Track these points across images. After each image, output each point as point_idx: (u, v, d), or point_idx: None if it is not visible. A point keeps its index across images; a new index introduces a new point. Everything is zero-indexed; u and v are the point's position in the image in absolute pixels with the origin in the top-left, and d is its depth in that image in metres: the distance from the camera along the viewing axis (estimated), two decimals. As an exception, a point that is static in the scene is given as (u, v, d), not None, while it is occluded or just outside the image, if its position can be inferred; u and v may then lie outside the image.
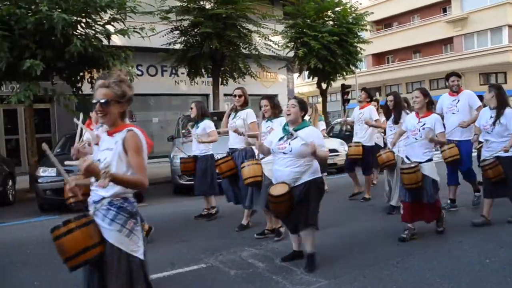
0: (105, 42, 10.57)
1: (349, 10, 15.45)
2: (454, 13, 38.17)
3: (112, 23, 10.58)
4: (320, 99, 18.47)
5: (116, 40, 11.98)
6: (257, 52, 13.39)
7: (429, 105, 5.36)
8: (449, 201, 6.61)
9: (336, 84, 17.56)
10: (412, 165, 5.11)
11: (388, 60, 43.99)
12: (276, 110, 5.49)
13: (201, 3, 12.61)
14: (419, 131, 5.21)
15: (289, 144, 4.18)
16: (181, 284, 4.18)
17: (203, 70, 13.67)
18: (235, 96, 6.04)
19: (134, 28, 10.72)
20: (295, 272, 4.20)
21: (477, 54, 36.28)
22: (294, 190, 4.13)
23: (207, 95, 16.50)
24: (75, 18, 9.50)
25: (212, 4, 12.55)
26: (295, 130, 4.19)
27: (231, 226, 6.11)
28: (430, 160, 5.20)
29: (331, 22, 15.46)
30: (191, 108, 6.67)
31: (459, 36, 38.01)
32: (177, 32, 13.22)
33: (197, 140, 6.52)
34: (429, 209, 5.18)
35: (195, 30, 12.84)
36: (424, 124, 5.20)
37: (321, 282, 3.96)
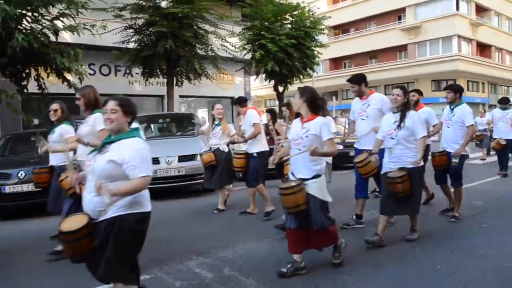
0: (52, 38, 10.02)
1: (307, 14, 15.45)
2: (409, 21, 39.34)
3: (61, 19, 10.07)
4: (277, 103, 18.44)
5: (67, 37, 11.45)
6: (213, 53, 13.15)
7: (318, 107, 4.23)
8: (354, 217, 5.92)
9: (293, 87, 17.54)
10: (293, 184, 4.12)
11: (345, 65, 44.82)
12: None
13: (157, 1, 12.24)
14: (302, 139, 4.19)
15: (95, 161, 3.05)
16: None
17: (157, 71, 13.27)
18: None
19: (84, 25, 10.25)
20: (244, 282, 3.99)
21: (430, 62, 37.53)
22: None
23: (162, 96, 16.10)
24: (20, 11, 8.94)
25: (167, 2, 12.20)
26: (110, 142, 3.07)
27: (181, 234, 5.87)
28: (317, 176, 4.17)
29: (289, 25, 15.42)
30: (55, 110, 5.47)
31: (413, 44, 39.20)
32: (131, 30, 12.79)
33: (49, 150, 5.36)
34: (319, 235, 4.22)
35: (150, 29, 12.46)
36: (307, 131, 4.16)
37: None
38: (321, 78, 42.32)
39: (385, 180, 5.00)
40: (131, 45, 12.80)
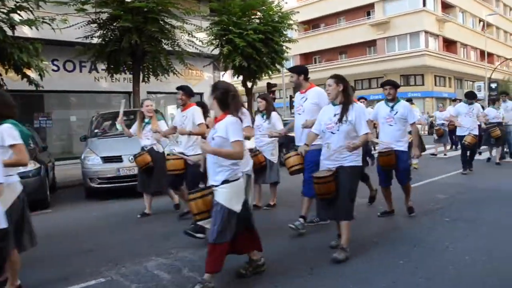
0: (9, 32, 9.63)
1: (275, 9, 15.35)
2: (377, 17, 39.85)
3: (18, 12, 9.68)
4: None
5: (27, 31, 11.04)
6: (180, 49, 12.90)
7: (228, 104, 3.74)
8: (301, 219, 5.37)
9: (263, 83, 17.48)
10: (201, 188, 3.98)
11: (316, 60, 45.05)
12: None
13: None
14: (210, 142, 3.75)
15: None
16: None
17: (123, 66, 12.94)
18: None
19: (43, 19, 9.88)
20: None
21: (398, 57, 38.15)
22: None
23: (129, 93, 15.72)
24: (-28, 3, 8.55)
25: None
26: None
27: (143, 234, 5.71)
28: (226, 181, 3.66)
29: (257, 20, 15.29)
30: None
31: (382, 39, 39.74)
32: (95, 25, 12.41)
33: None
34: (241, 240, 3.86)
35: (114, 24, 12.11)
36: (215, 133, 3.72)
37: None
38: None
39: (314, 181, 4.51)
40: (95, 40, 12.43)
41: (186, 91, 5.99)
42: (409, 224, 5.77)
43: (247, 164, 4.78)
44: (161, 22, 12.38)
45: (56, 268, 4.49)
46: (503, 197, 7.38)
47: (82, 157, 8.91)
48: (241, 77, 16.11)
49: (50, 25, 9.91)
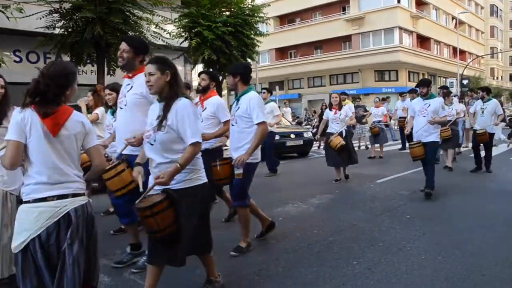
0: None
1: (245, 1, 15.08)
2: (352, 12, 39.96)
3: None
4: (224, 92, 18.08)
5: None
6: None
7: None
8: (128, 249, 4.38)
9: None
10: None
11: (291, 55, 44.97)
12: None
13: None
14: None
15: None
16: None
17: (86, 58, 12.51)
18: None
19: (-3, 7, 9.44)
20: (142, 287, 3.65)
21: (373, 52, 38.36)
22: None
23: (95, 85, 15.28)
24: None
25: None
26: None
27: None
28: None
29: (227, 13, 15.01)
30: None
31: (356, 35, 39.89)
32: (57, 15, 11.93)
33: None
34: None
35: (76, 14, 11.66)
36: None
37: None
38: (266, 68, 42.37)
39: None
40: (57, 31, 11.96)
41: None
42: (369, 221, 5.64)
43: None
44: (127, 13, 12.01)
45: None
46: (463, 192, 7.40)
47: None
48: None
49: (4, 13, 9.42)
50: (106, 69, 12.82)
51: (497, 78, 60.63)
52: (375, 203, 6.67)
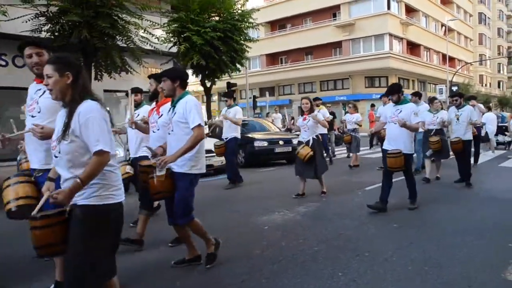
0: None
1: (234, 6, 15.03)
2: (343, 18, 40.14)
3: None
4: (215, 98, 18.05)
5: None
6: (134, 46, 12.37)
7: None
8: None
9: (223, 83, 17.17)
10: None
11: (282, 60, 45.01)
12: None
13: (71, -13, 11.29)
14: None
15: None
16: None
17: (74, 63, 12.32)
18: None
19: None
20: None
21: (363, 59, 38.55)
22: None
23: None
24: None
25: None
26: None
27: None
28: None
29: (216, 18, 14.94)
30: None
31: (347, 41, 40.06)
32: (44, 18, 11.77)
33: None
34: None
35: (63, 18, 11.51)
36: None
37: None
38: (257, 74, 42.36)
39: None
40: (44, 35, 11.80)
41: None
42: (355, 230, 5.56)
43: None
44: (116, 17, 11.88)
45: None
46: (451, 200, 7.35)
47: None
48: (200, 76, 15.75)
49: (-13, 16, 9.26)
50: (93, 73, 12.69)
51: (486, 85, 61.24)
52: (362, 211, 6.58)
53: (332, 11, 41.34)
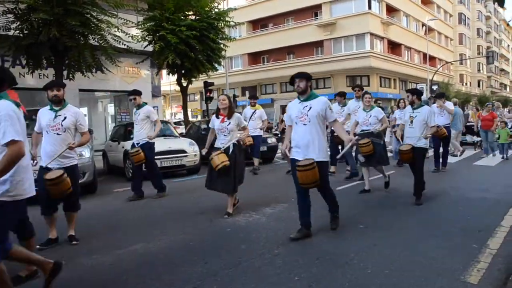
0: None
1: (210, 5, 14.86)
2: (324, 18, 40.22)
3: None
4: (197, 97, 17.86)
5: None
6: (106, 44, 12.13)
7: None
8: None
9: (200, 82, 16.99)
10: None
11: (264, 60, 44.92)
12: None
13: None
14: None
15: None
16: None
17: (44, 61, 12.07)
18: None
19: None
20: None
21: (344, 58, 38.69)
22: None
23: (57, 90, 14.74)
24: None
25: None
26: None
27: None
28: None
29: (192, 17, 14.76)
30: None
31: (328, 40, 40.16)
32: (12, 15, 11.48)
33: None
34: None
35: (32, 15, 11.23)
36: None
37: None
38: (239, 73, 42.23)
39: None
40: (12, 33, 11.51)
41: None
42: (320, 232, 5.42)
43: None
44: (88, 15, 11.63)
45: None
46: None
47: None
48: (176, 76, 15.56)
49: None
50: (65, 72, 12.44)
51: (466, 84, 62.01)
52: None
53: (314, 11, 41.41)
